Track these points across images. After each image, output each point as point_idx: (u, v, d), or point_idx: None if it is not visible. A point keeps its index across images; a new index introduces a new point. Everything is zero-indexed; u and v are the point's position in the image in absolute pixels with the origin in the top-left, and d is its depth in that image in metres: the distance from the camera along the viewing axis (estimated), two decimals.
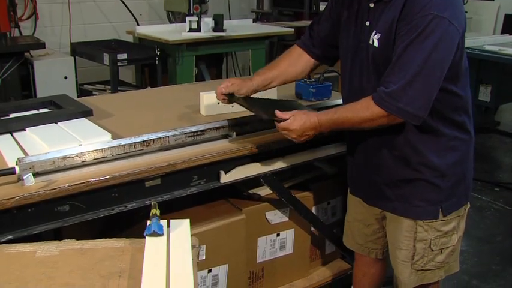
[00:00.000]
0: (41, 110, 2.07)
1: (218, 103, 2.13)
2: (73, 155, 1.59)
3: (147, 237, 1.28)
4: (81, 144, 1.68)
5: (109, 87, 4.28)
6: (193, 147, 1.82)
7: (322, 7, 5.96)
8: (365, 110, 1.59)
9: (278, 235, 2.29)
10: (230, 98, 1.89)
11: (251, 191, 2.21)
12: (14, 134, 1.83)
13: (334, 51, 1.89)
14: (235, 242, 2.10)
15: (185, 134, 1.79)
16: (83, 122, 1.94)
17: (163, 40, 4.18)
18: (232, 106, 2.15)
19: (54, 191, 1.50)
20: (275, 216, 2.23)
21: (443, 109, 1.65)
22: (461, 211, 1.79)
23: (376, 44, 1.62)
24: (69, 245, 1.25)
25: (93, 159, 1.63)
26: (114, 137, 1.78)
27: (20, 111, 2.03)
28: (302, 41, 1.99)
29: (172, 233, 1.31)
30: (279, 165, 2.00)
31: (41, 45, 3.93)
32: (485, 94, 4.61)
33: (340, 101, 1.94)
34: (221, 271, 2.11)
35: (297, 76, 2.03)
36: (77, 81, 4.22)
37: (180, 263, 1.16)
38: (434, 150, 1.69)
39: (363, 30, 1.68)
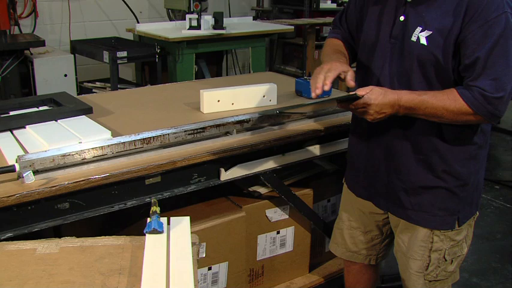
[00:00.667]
0: (41, 108, 2.07)
1: (218, 101, 2.13)
2: (73, 153, 1.59)
3: (147, 234, 1.28)
4: (81, 142, 1.68)
5: (109, 85, 4.28)
6: (193, 145, 1.82)
7: (322, 5, 5.96)
8: (452, 102, 1.49)
9: (278, 233, 2.29)
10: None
11: (251, 189, 2.21)
12: (14, 131, 1.83)
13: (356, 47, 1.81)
14: (235, 240, 2.10)
15: (185, 131, 1.79)
16: (83, 119, 1.94)
17: (163, 38, 4.18)
18: (233, 104, 2.15)
19: (54, 188, 1.50)
20: (275, 213, 2.23)
21: None
22: (471, 220, 1.75)
23: (424, 41, 1.51)
24: (69, 242, 1.25)
25: (93, 157, 1.63)
26: (114, 134, 1.78)
27: (19, 109, 2.03)
28: (339, 34, 1.87)
29: (172, 231, 1.31)
30: (279, 162, 2.00)
31: (41, 43, 3.92)
32: None
33: None
34: (221, 269, 2.11)
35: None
36: (76, 79, 4.22)
37: (180, 260, 1.16)
38: (460, 159, 1.62)
39: (397, 25, 1.58)
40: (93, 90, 4.42)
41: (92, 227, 2.04)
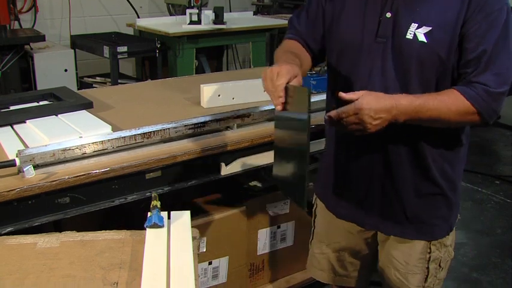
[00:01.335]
0: (41, 103, 2.07)
1: (219, 95, 2.13)
2: (73, 147, 1.59)
3: (147, 229, 1.28)
4: (81, 137, 1.68)
5: (109, 80, 4.27)
6: (193, 139, 1.82)
7: None
8: (455, 102, 1.36)
9: (279, 227, 2.29)
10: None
11: (252, 183, 2.21)
12: (14, 126, 1.83)
13: (323, 48, 1.62)
14: (235, 234, 2.10)
15: (185, 126, 1.79)
16: (83, 114, 1.94)
17: (163, 33, 4.17)
18: (233, 98, 2.15)
19: (54, 183, 1.50)
20: (276, 208, 2.24)
21: None
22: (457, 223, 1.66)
23: (423, 39, 1.36)
24: (70, 236, 1.25)
25: (94, 151, 1.63)
26: (115, 129, 1.78)
27: (20, 104, 2.03)
28: (297, 35, 1.65)
29: (173, 225, 1.31)
30: None
31: (41, 38, 3.91)
32: None
33: None
34: (222, 263, 2.11)
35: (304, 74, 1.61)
36: (77, 74, 4.21)
37: (180, 254, 1.16)
38: (449, 160, 1.52)
39: (384, 23, 1.42)
40: (94, 85, 4.41)
41: (92, 222, 2.04)
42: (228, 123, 1.90)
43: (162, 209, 1.34)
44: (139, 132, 1.70)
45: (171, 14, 5.06)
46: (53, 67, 3.96)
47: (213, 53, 5.02)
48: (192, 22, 4.33)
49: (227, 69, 5.60)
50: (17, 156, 1.50)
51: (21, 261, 1.13)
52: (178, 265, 1.11)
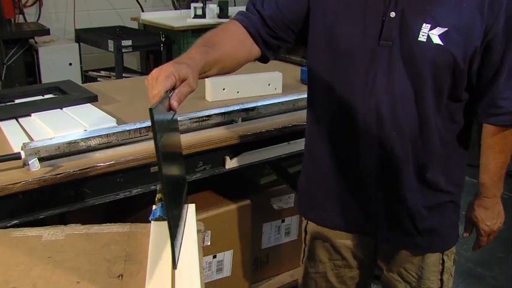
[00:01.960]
0: (46, 96, 2.07)
1: (223, 89, 2.13)
2: (78, 140, 1.59)
3: (152, 221, 1.28)
4: (86, 130, 1.68)
5: (114, 73, 4.28)
6: (198, 133, 1.82)
7: None
8: (505, 141, 1.39)
9: (283, 221, 2.29)
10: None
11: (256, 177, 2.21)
12: (19, 119, 1.83)
13: (290, 42, 1.43)
14: (240, 228, 2.10)
15: (190, 119, 1.79)
16: (88, 107, 1.94)
17: (168, 26, 4.16)
18: (238, 92, 2.14)
19: (59, 176, 1.50)
20: (280, 202, 2.24)
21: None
22: None
23: (438, 41, 1.22)
24: (75, 229, 1.25)
25: (98, 145, 1.63)
26: (119, 122, 1.78)
27: (25, 97, 2.03)
28: (248, 19, 1.39)
29: None
30: (284, 151, 2.00)
31: (46, 32, 3.92)
32: None
33: None
34: (226, 257, 2.11)
35: (234, 69, 1.40)
36: (81, 67, 4.22)
37: (185, 247, 1.16)
38: (459, 163, 1.47)
39: (389, 23, 1.25)
40: (98, 79, 4.42)
41: (97, 215, 2.05)
42: (233, 117, 1.90)
43: None
44: (144, 126, 1.70)
45: (175, 8, 5.05)
46: (58, 61, 3.97)
47: None
48: (196, 16, 4.33)
49: None
50: (22, 149, 1.51)
51: (26, 253, 1.13)
52: (183, 258, 1.11)
